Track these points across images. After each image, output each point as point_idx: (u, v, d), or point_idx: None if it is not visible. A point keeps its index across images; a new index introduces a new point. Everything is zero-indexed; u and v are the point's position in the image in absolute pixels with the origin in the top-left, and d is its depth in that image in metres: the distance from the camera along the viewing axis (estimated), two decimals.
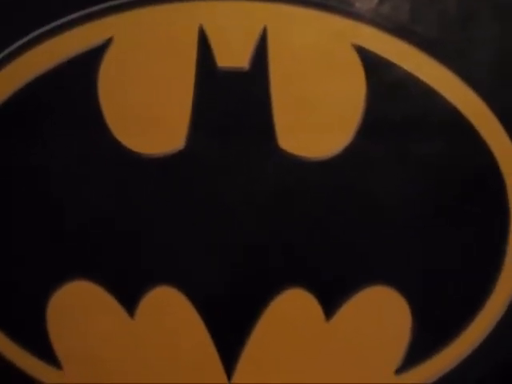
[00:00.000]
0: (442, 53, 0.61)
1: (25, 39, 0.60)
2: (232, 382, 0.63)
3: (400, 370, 0.64)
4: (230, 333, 0.63)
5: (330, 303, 0.63)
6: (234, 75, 0.61)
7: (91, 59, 0.60)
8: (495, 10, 0.61)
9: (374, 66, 0.61)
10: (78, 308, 0.63)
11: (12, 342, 0.63)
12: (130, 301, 0.63)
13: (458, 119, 0.62)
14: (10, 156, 0.61)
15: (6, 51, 0.60)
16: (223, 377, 0.63)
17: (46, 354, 0.63)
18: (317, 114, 0.61)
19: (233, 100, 0.61)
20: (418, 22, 0.61)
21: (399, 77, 0.61)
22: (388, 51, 0.61)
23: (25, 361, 0.63)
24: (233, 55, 0.61)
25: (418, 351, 0.63)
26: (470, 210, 0.63)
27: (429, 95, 0.61)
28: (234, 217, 0.62)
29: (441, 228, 0.62)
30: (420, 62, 0.61)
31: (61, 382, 0.63)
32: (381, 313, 0.63)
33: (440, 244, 0.63)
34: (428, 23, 0.61)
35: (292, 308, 0.63)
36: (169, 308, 0.62)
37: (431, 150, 0.62)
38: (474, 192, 0.63)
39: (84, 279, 0.62)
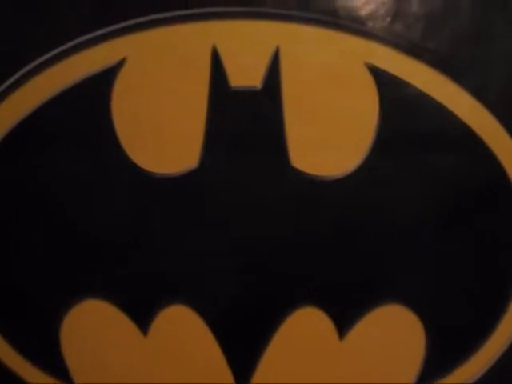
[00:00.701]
0: (454, 70, 0.61)
1: (39, 60, 0.60)
2: None
3: None
4: (243, 351, 0.63)
5: (344, 322, 0.63)
6: (247, 95, 0.61)
7: (104, 80, 0.61)
8: (508, 27, 0.62)
9: (386, 84, 0.61)
10: (92, 326, 0.63)
11: (25, 359, 0.63)
12: (143, 319, 0.63)
13: (470, 136, 0.62)
14: (23, 176, 0.62)
15: (21, 72, 0.60)
16: None
17: (60, 371, 0.63)
18: (330, 132, 0.61)
19: (246, 119, 0.61)
20: (431, 39, 0.61)
21: (411, 95, 0.61)
22: (400, 69, 0.61)
23: (38, 378, 0.63)
24: (245, 75, 0.61)
25: (433, 369, 0.63)
26: (482, 226, 0.63)
27: (441, 112, 0.61)
28: (247, 235, 0.62)
29: (454, 244, 0.62)
30: (432, 79, 0.61)
31: None
32: (394, 331, 0.63)
33: (454, 261, 0.63)
34: (440, 41, 0.61)
35: (305, 326, 0.63)
36: (182, 326, 0.63)
37: (443, 166, 0.62)
38: (486, 207, 0.63)
39: (97, 298, 0.62)
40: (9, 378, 0.63)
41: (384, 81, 0.61)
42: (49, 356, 0.63)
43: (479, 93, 0.62)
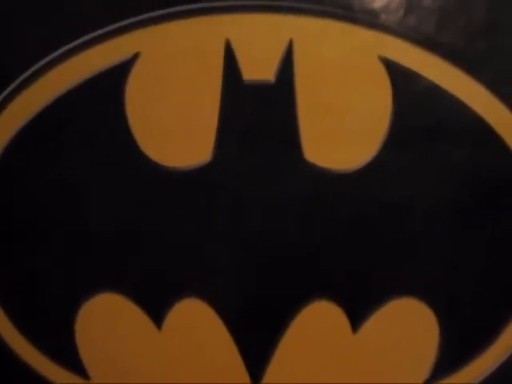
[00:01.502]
0: (467, 63, 0.61)
1: (53, 55, 0.60)
2: None
3: (427, 382, 0.63)
4: (256, 345, 0.63)
5: (357, 315, 0.63)
6: (260, 88, 0.61)
7: (118, 74, 0.61)
8: None
9: (400, 77, 0.61)
10: (106, 320, 0.63)
11: (41, 353, 0.64)
12: (157, 313, 0.63)
13: (484, 129, 0.61)
14: (38, 170, 0.62)
15: (35, 67, 0.61)
16: None
17: (74, 364, 0.64)
18: (343, 125, 0.61)
19: (259, 113, 0.61)
20: (444, 32, 0.61)
21: (425, 88, 0.61)
22: (414, 62, 0.61)
23: (53, 371, 0.64)
24: (259, 68, 0.61)
25: (446, 363, 0.63)
26: (497, 219, 0.62)
27: (455, 106, 0.61)
28: (260, 229, 0.62)
29: (469, 238, 0.62)
30: (446, 72, 0.61)
31: None
32: (408, 325, 0.63)
33: (468, 255, 0.62)
34: (454, 34, 0.61)
35: (318, 320, 0.63)
36: (196, 320, 0.63)
37: (457, 159, 0.62)
38: (501, 200, 0.62)
39: (112, 291, 0.63)
40: (23, 369, 0.64)
41: (398, 74, 0.61)
42: (63, 349, 0.63)
43: (494, 86, 0.61)
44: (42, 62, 0.60)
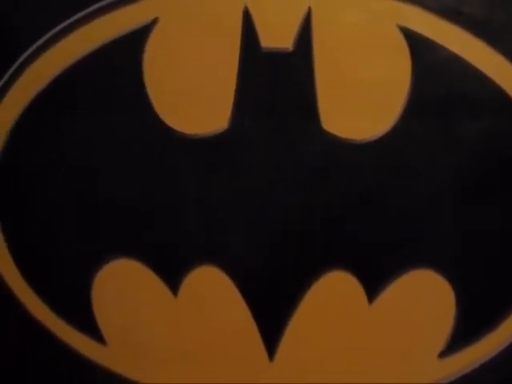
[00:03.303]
0: (488, 33, 0.61)
1: (72, 19, 0.61)
2: (273, 361, 0.63)
3: (443, 354, 0.63)
4: (271, 313, 0.63)
5: (373, 286, 0.62)
6: (278, 56, 0.61)
7: (136, 39, 0.61)
8: None
9: (419, 47, 0.61)
10: (123, 286, 0.63)
11: (59, 318, 0.64)
12: (173, 279, 0.63)
13: (504, 100, 0.61)
14: (54, 133, 0.63)
15: (52, 32, 0.61)
16: (264, 356, 0.63)
17: (91, 329, 0.64)
18: (361, 95, 0.61)
19: (276, 81, 0.61)
20: (466, 2, 0.61)
21: (445, 58, 0.61)
22: (434, 32, 0.61)
23: (70, 335, 0.64)
24: (277, 36, 0.61)
25: (462, 335, 0.63)
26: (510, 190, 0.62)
27: (475, 76, 0.61)
28: (277, 197, 0.62)
29: (487, 209, 0.62)
30: (466, 42, 0.61)
31: (105, 357, 0.64)
32: (424, 296, 0.63)
33: (486, 226, 0.62)
34: (475, 4, 0.61)
35: (334, 290, 0.62)
36: (211, 287, 0.63)
37: (477, 130, 0.61)
38: None
39: (128, 258, 0.63)
40: (41, 333, 0.64)
41: (417, 43, 0.61)
42: (80, 313, 0.64)
43: None
44: (60, 27, 0.61)
